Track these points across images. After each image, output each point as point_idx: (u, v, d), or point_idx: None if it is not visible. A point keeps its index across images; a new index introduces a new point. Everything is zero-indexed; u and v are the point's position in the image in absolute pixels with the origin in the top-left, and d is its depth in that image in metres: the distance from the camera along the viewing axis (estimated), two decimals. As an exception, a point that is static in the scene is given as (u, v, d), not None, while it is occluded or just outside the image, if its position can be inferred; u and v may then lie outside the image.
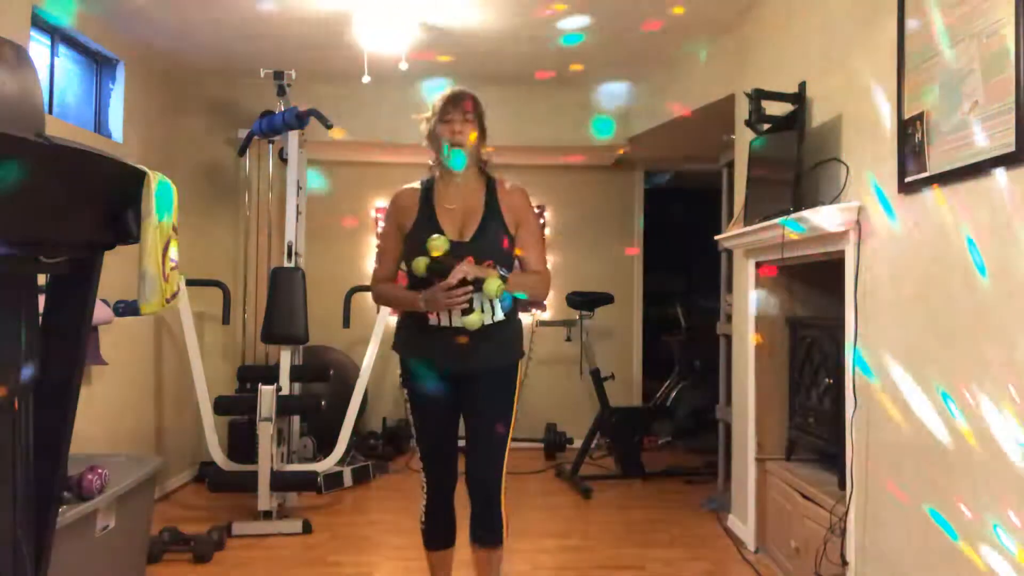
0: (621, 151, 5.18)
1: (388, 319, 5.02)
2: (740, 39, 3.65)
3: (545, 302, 5.49)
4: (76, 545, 2.26)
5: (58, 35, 3.44)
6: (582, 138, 4.95)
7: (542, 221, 5.62)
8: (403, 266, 2.34)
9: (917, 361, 2.11)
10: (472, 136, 2.24)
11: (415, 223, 2.27)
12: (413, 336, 2.33)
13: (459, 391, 2.32)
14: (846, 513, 2.46)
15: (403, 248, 2.30)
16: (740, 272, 3.61)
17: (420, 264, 2.17)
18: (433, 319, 2.24)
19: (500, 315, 2.28)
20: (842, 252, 2.53)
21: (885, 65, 2.28)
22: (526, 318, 3.88)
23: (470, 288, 2.12)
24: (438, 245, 2.16)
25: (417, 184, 2.35)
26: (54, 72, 3.43)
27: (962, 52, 1.88)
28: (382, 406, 5.57)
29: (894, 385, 2.23)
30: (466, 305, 2.16)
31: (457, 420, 2.38)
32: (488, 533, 2.33)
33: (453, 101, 2.23)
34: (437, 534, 2.43)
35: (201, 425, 3.93)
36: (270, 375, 3.90)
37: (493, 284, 2.12)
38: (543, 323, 5.30)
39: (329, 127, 3.81)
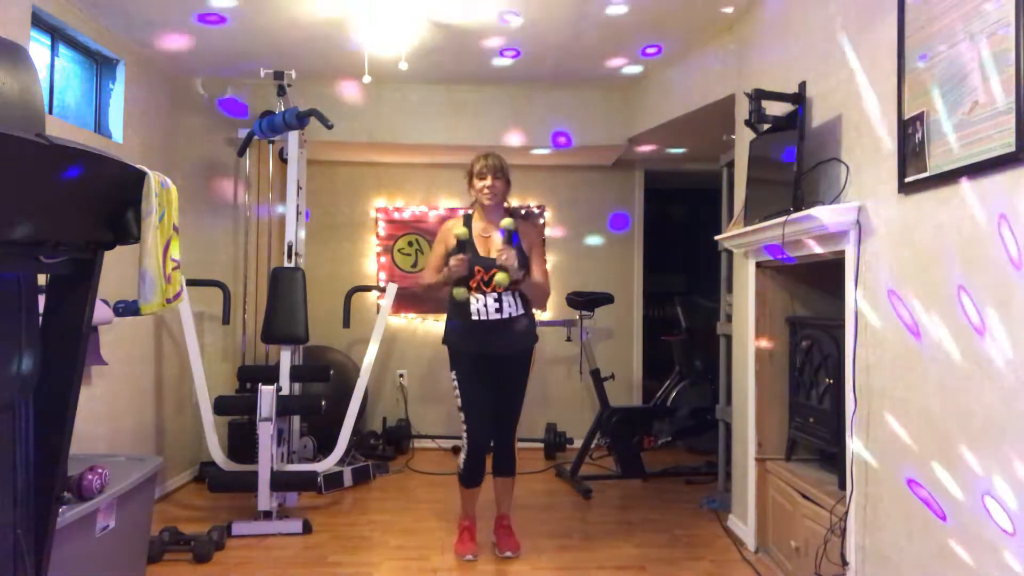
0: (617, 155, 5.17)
1: (389, 319, 5.04)
2: (740, 39, 3.65)
3: (545, 303, 5.54)
4: (76, 545, 2.26)
5: (58, 35, 3.44)
6: (582, 138, 4.94)
7: (542, 221, 5.64)
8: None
9: (916, 361, 2.11)
10: (499, 189, 3.26)
11: (457, 243, 3.27)
12: (459, 331, 3.24)
13: (493, 368, 3.25)
14: (846, 513, 2.47)
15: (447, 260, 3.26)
16: (740, 272, 3.61)
17: (459, 230, 3.27)
18: (475, 315, 3.17)
19: (521, 309, 3.23)
20: (842, 252, 2.53)
21: (885, 65, 2.28)
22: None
23: (465, 260, 3.14)
24: (461, 231, 3.26)
25: (460, 217, 3.37)
26: (54, 72, 3.43)
27: (962, 52, 1.88)
28: (382, 406, 5.57)
29: (894, 385, 2.23)
30: (464, 273, 3.16)
31: (492, 392, 3.28)
32: (506, 468, 3.38)
33: (486, 167, 3.24)
34: (472, 476, 3.33)
35: (201, 425, 3.93)
36: (270, 375, 3.90)
37: (503, 277, 3.14)
38: (543, 323, 5.30)
39: (329, 127, 3.80)
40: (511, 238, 3.23)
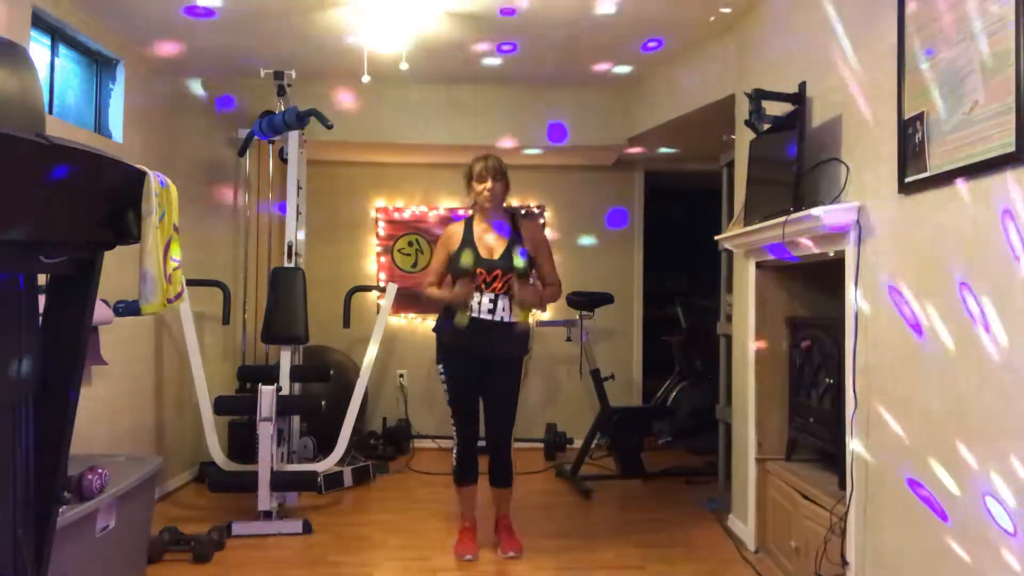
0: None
1: (389, 319, 5.04)
2: (740, 39, 3.66)
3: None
4: (76, 545, 2.26)
5: (58, 35, 3.44)
6: (582, 138, 4.94)
7: (542, 221, 5.64)
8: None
9: (917, 361, 2.11)
10: (499, 191, 3.26)
11: (459, 247, 3.25)
12: (451, 326, 3.22)
13: (482, 370, 3.24)
14: (846, 513, 2.47)
15: (449, 263, 3.29)
16: (740, 272, 3.61)
17: (466, 257, 3.19)
18: (470, 313, 3.16)
19: (513, 317, 3.20)
20: (842, 252, 2.53)
21: (885, 65, 2.28)
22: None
23: (470, 294, 3.17)
24: (464, 259, 3.19)
25: (461, 221, 3.37)
26: (54, 72, 3.43)
27: (962, 52, 1.88)
28: (382, 406, 5.57)
29: (894, 385, 2.23)
30: (468, 303, 3.17)
31: (479, 390, 3.30)
32: (502, 478, 3.36)
33: (486, 169, 3.24)
34: (465, 474, 3.33)
35: (201, 425, 3.93)
36: (270, 375, 3.90)
37: (523, 314, 3.23)
38: (543, 323, 5.30)
39: (329, 127, 3.80)
40: (514, 228, 3.27)
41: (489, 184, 3.23)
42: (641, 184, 5.81)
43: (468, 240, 3.27)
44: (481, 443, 3.37)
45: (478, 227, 3.30)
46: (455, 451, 3.33)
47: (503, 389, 3.30)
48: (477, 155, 3.31)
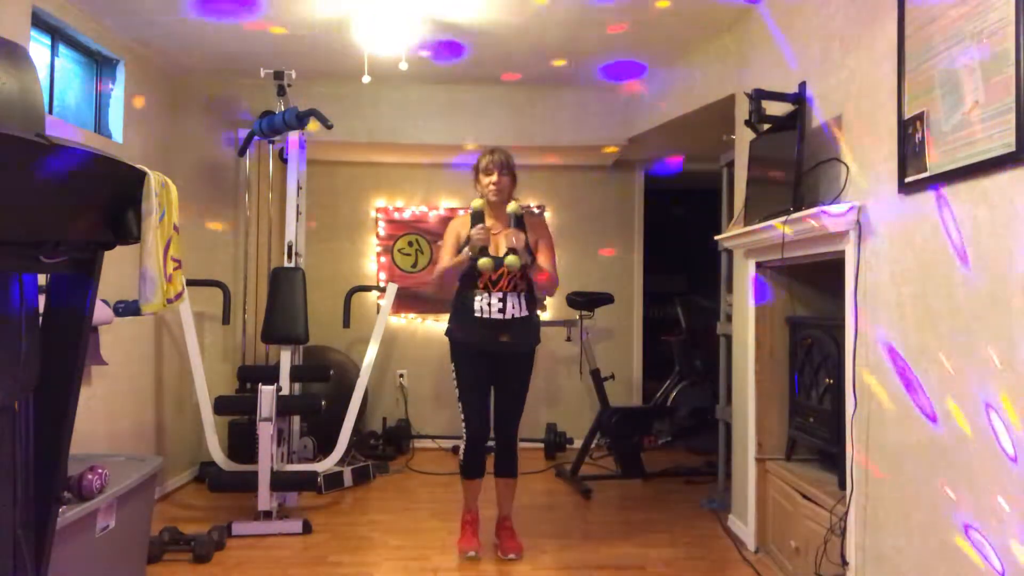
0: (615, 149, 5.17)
1: (389, 319, 5.04)
2: (740, 39, 3.66)
3: (546, 303, 5.54)
4: (76, 545, 2.26)
5: (58, 35, 3.44)
6: (582, 138, 4.94)
7: (542, 221, 5.65)
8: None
9: (917, 361, 2.11)
10: (505, 185, 3.26)
11: (473, 217, 3.25)
12: (461, 327, 3.25)
13: (492, 366, 3.26)
14: (846, 513, 2.47)
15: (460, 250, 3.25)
16: (740, 272, 3.61)
17: (485, 262, 3.14)
18: (477, 312, 3.17)
19: (525, 311, 3.23)
20: (842, 252, 2.53)
21: (885, 65, 2.28)
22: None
23: (488, 229, 3.16)
24: (477, 203, 3.25)
25: (467, 215, 3.32)
26: (54, 72, 3.43)
27: (962, 52, 1.88)
28: (382, 406, 5.57)
29: (894, 385, 2.23)
30: (485, 244, 3.14)
31: (490, 387, 3.31)
32: (508, 469, 3.38)
33: (492, 163, 3.25)
34: (472, 468, 3.35)
35: (201, 425, 3.93)
36: (270, 375, 3.90)
37: (514, 259, 3.10)
38: (543, 323, 5.29)
39: (329, 127, 3.80)
40: (519, 221, 3.20)
41: (495, 177, 3.23)
42: (641, 184, 5.80)
43: None
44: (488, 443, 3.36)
45: (486, 220, 3.26)
46: (464, 446, 3.32)
47: (515, 384, 3.31)
48: (485, 148, 3.33)
